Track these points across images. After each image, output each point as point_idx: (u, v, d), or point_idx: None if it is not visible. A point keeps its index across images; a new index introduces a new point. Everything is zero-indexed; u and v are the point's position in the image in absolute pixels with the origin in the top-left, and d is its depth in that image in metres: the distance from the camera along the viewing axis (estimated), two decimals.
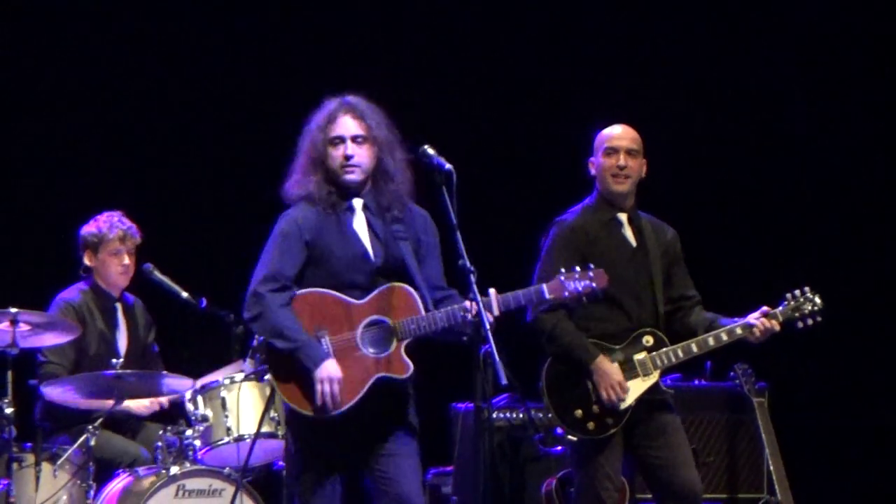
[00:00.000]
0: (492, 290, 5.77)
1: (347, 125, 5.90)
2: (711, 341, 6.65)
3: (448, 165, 5.70)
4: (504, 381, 5.51)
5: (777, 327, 6.69)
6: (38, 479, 7.07)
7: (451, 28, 9.63)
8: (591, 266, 5.93)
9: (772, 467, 7.93)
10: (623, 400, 6.56)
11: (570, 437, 6.67)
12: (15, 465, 7.01)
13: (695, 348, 6.66)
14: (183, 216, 8.91)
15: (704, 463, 8.17)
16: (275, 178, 7.24)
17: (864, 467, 9.26)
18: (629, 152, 6.73)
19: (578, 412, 6.60)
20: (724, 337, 6.65)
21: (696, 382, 8.38)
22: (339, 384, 5.76)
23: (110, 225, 7.59)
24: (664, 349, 6.67)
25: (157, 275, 7.65)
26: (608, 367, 6.59)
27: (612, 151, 6.73)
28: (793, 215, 9.42)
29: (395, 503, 5.83)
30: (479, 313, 5.58)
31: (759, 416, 8.01)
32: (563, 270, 5.89)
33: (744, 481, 8.28)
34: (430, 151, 5.75)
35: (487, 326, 5.53)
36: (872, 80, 9.49)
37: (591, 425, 6.60)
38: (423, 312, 5.78)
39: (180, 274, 7.77)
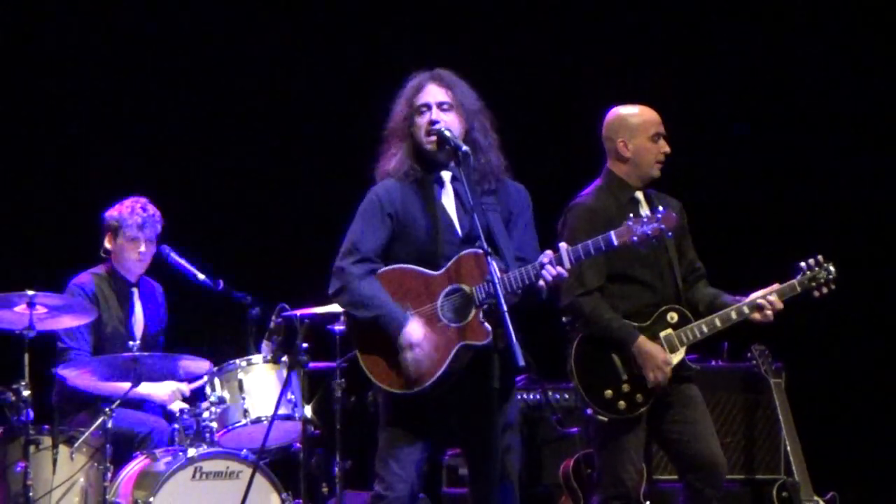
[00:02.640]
0: (562, 244, 5.75)
1: (434, 92, 5.87)
2: (734, 315, 6.60)
3: (465, 147, 5.69)
4: (521, 363, 5.47)
5: (780, 305, 6.63)
6: (55, 461, 7.02)
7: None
8: (660, 209, 5.90)
9: (789, 448, 8.01)
10: (669, 379, 6.60)
11: (600, 417, 6.64)
12: (32, 448, 6.96)
13: (718, 323, 6.62)
14: (203, 200, 8.94)
15: (722, 443, 7.84)
16: (294, 164, 7.33)
17: (880, 447, 9.27)
18: (666, 137, 6.74)
19: (608, 392, 6.59)
20: (746, 311, 6.59)
21: (713, 363, 8.40)
22: (423, 348, 5.74)
23: (132, 210, 7.62)
24: (689, 325, 6.65)
25: (175, 256, 7.68)
26: (651, 348, 6.57)
27: (658, 137, 6.73)
28: (811, 192, 9.34)
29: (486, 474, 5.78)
30: (495, 293, 5.55)
31: (776, 396, 8.06)
32: (630, 217, 5.86)
33: (761, 462, 8.28)
34: (448, 133, 5.75)
35: (504, 308, 5.46)
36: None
37: (621, 404, 6.58)
38: (496, 275, 5.70)
39: (197, 255, 7.80)
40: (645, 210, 6.74)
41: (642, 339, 6.57)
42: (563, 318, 6.75)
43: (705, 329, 6.65)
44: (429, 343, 5.77)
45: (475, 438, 5.84)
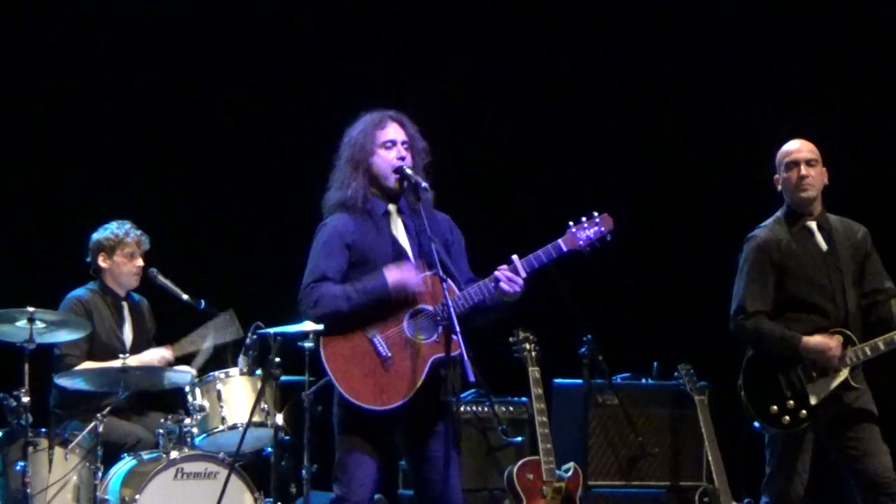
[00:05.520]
0: (514, 256, 5.74)
1: (397, 130, 5.87)
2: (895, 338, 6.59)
3: (424, 184, 5.76)
4: (472, 379, 5.53)
5: None
6: (51, 461, 7.12)
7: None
8: (596, 213, 5.85)
9: (710, 458, 8.07)
10: (842, 357, 6.53)
11: (767, 431, 6.68)
12: (30, 449, 7.05)
13: (882, 346, 6.58)
14: (184, 226, 8.88)
15: (650, 454, 8.29)
16: (266, 192, 7.46)
17: None
18: (808, 163, 6.70)
19: (774, 408, 6.59)
20: None
21: (644, 381, 8.53)
22: (414, 277, 5.67)
23: (126, 231, 7.67)
24: (853, 348, 6.59)
25: (161, 279, 7.73)
26: (817, 339, 6.56)
27: (792, 165, 6.72)
28: None
29: (441, 486, 5.78)
30: (448, 316, 5.57)
31: (699, 411, 8.15)
32: (571, 224, 5.82)
33: (685, 470, 8.36)
34: (409, 172, 5.78)
35: (458, 328, 5.51)
36: None
37: (785, 419, 6.58)
38: (456, 291, 5.70)
39: (181, 278, 7.81)
40: (818, 238, 6.71)
41: (806, 338, 6.54)
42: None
43: (868, 352, 6.58)
44: (409, 270, 5.70)
45: (423, 447, 5.80)
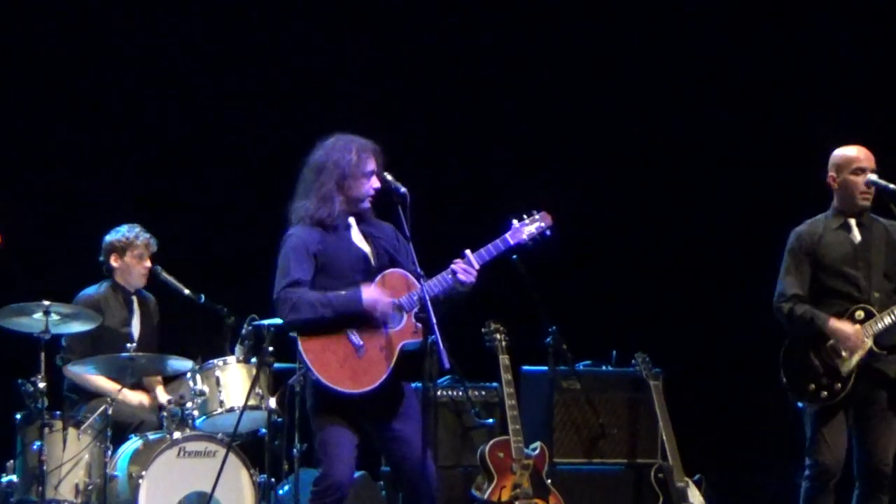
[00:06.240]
0: (467, 251, 5.92)
1: (376, 163, 6.07)
2: None
3: (403, 189, 5.96)
4: (447, 366, 5.74)
5: None
6: (64, 441, 7.28)
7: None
8: (535, 211, 6.01)
9: (664, 437, 8.24)
10: (861, 346, 6.59)
11: (808, 407, 6.70)
12: (46, 430, 7.20)
13: (893, 316, 6.61)
14: (188, 228, 8.86)
15: (610, 434, 8.44)
16: (261, 196, 7.12)
17: (737, 438, 9.34)
18: (873, 172, 6.72)
19: (812, 386, 6.66)
20: None
21: (604, 368, 8.66)
22: (385, 300, 5.84)
23: (136, 234, 7.76)
24: (871, 319, 6.65)
25: (165, 275, 7.85)
26: (840, 324, 6.61)
27: (859, 172, 6.69)
28: None
29: (410, 458, 5.92)
30: (425, 308, 5.74)
31: (654, 395, 8.33)
32: (514, 221, 5.99)
33: (642, 448, 8.47)
34: (389, 178, 5.99)
35: (434, 321, 5.71)
36: None
37: (823, 394, 6.64)
38: (417, 285, 5.88)
39: (183, 274, 7.92)
40: (854, 232, 6.74)
41: (833, 320, 6.61)
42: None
43: (887, 320, 6.62)
44: (385, 291, 5.87)
45: (396, 427, 5.95)
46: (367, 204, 6.11)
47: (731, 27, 9.68)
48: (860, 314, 6.69)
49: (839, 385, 6.62)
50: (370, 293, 5.90)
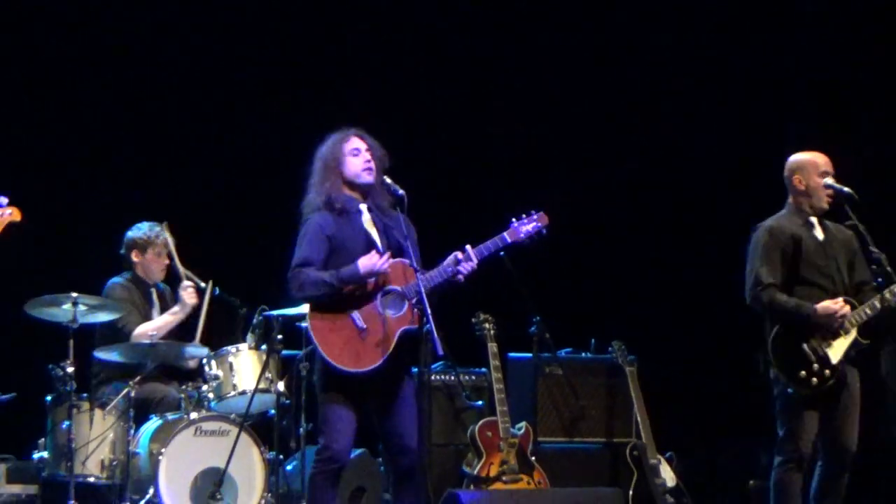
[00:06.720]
0: (468, 246, 6.06)
1: (360, 142, 6.23)
2: (877, 304, 6.70)
3: (401, 191, 6.15)
4: (440, 353, 5.96)
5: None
6: (91, 420, 7.50)
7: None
8: (534, 211, 6.10)
9: (639, 418, 8.48)
10: (847, 316, 6.68)
11: (800, 393, 6.70)
12: (74, 411, 7.39)
13: (878, 304, 6.70)
14: (204, 224, 8.90)
15: (589, 415, 8.63)
16: (276, 192, 7.12)
17: (706, 419, 9.50)
18: (834, 176, 6.87)
19: (803, 373, 6.72)
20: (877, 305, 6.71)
21: (584, 355, 8.87)
22: (380, 260, 5.97)
23: (157, 233, 7.92)
24: (855, 310, 6.74)
25: (180, 267, 7.95)
26: (828, 304, 6.68)
27: (825, 175, 6.82)
28: None
29: (403, 438, 6.12)
30: (420, 299, 5.91)
31: (630, 380, 8.58)
32: (513, 220, 6.09)
33: (618, 429, 8.66)
34: (388, 181, 6.17)
35: (429, 311, 5.87)
36: None
37: (814, 381, 6.69)
38: (416, 276, 6.02)
39: (200, 268, 8.03)
40: (817, 230, 6.85)
41: (816, 305, 6.67)
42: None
43: (868, 311, 6.71)
44: (374, 256, 6.00)
45: (391, 405, 6.13)
46: (366, 180, 6.18)
47: (731, 27, 9.70)
48: (843, 302, 6.79)
49: (828, 372, 6.69)
50: (365, 262, 6.04)
